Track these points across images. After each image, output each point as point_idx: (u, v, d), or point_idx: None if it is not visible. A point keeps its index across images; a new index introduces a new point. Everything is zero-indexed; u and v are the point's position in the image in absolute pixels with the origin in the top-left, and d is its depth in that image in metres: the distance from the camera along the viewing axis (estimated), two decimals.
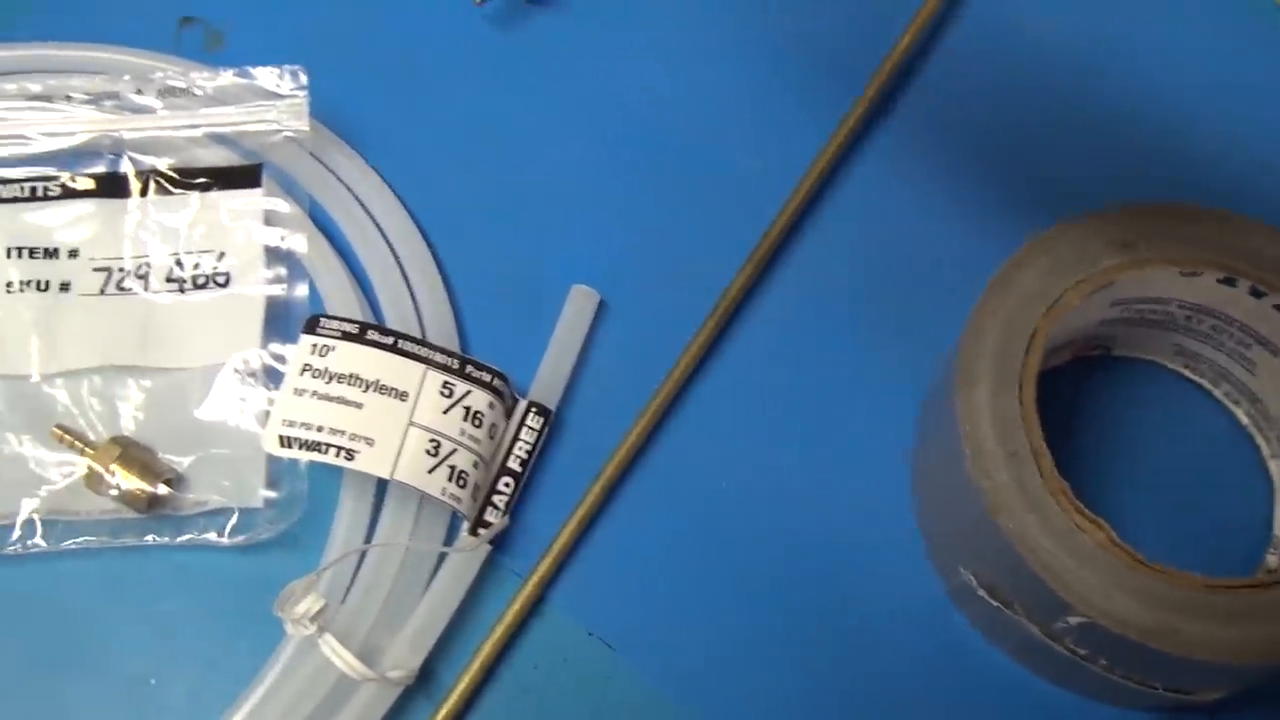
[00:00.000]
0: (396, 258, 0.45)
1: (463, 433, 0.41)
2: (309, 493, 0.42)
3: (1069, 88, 0.49)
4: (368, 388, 0.41)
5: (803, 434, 0.44)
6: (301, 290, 0.45)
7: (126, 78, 0.46)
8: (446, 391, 0.41)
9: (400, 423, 0.41)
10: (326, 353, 0.41)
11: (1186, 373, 0.44)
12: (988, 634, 0.40)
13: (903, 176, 0.48)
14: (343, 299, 0.44)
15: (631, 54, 0.50)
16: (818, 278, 0.46)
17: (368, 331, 0.42)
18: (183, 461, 0.42)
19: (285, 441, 0.40)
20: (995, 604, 0.38)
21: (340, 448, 0.40)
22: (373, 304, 0.45)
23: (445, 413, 0.41)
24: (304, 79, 0.46)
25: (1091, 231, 0.39)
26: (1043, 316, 0.38)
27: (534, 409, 0.43)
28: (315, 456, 0.40)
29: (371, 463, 0.40)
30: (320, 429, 0.40)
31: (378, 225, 0.46)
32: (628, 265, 0.46)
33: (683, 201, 0.47)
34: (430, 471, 0.40)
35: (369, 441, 0.40)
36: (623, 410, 0.43)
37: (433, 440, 0.41)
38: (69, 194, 0.45)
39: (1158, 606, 0.34)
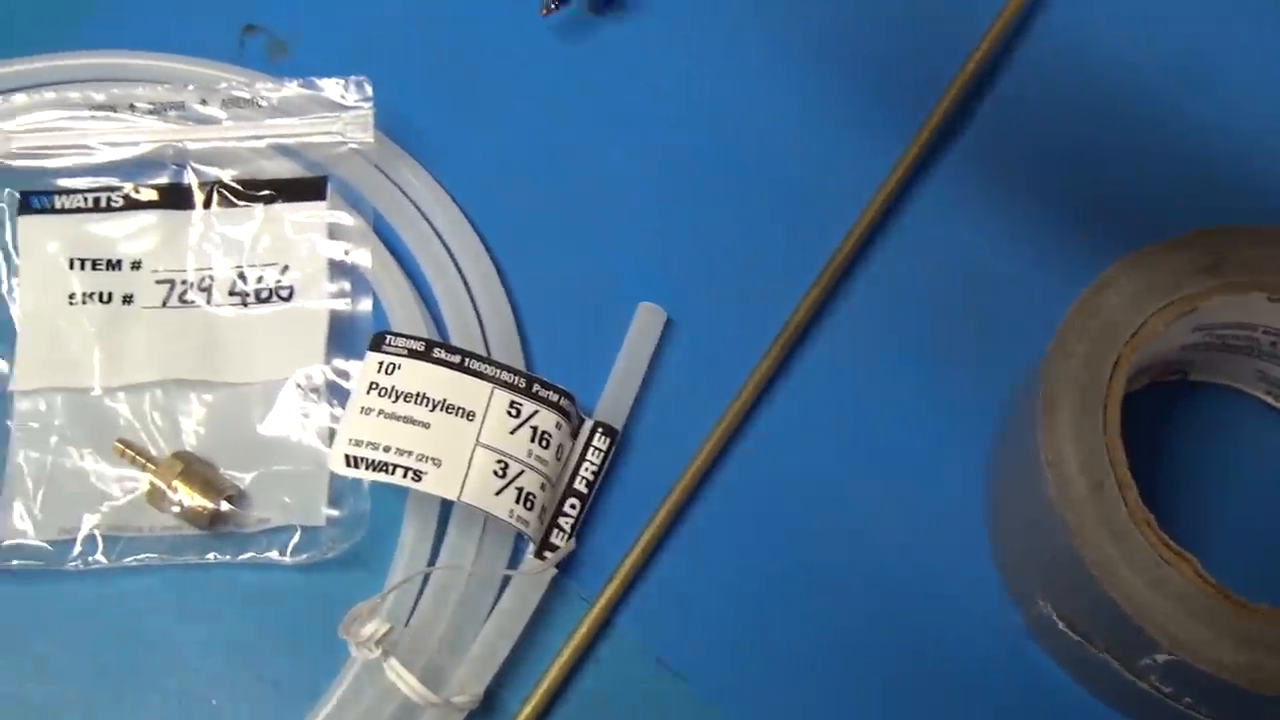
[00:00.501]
0: (461, 273, 0.45)
1: (530, 454, 0.40)
2: (372, 511, 0.41)
3: (1148, 106, 0.48)
4: (435, 407, 0.40)
5: (874, 457, 0.43)
6: (365, 305, 0.44)
7: (191, 88, 0.45)
8: (514, 411, 0.41)
9: (468, 443, 0.40)
10: (393, 371, 0.41)
11: (1269, 399, 0.42)
12: (1066, 668, 0.39)
13: (976, 194, 0.46)
14: (407, 315, 0.43)
15: (698, 66, 0.49)
16: (888, 298, 0.45)
17: (434, 349, 0.41)
18: (244, 478, 0.42)
19: (351, 461, 0.40)
20: (1075, 638, 0.37)
21: (407, 468, 0.39)
22: (436, 320, 0.44)
23: (512, 433, 0.40)
24: (369, 90, 0.46)
25: (1176, 255, 0.38)
26: (1127, 343, 0.37)
27: (600, 429, 0.42)
28: (382, 477, 0.40)
29: (439, 484, 0.39)
30: (387, 449, 0.40)
31: (442, 240, 0.45)
32: (695, 282, 0.45)
33: (751, 217, 0.46)
34: (498, 493, 0.39)
35: (436, 462, 0.40)
36: (690, 430, 0.42)
37: (500, 461, 0.40)
38: (132, 205, 0.45)
39: (1248, 644, 0.33)
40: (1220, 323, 0.39)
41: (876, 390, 0.44)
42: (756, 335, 0.44)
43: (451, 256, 0.45)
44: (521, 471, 0.40)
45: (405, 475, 0.39)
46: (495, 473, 0.40)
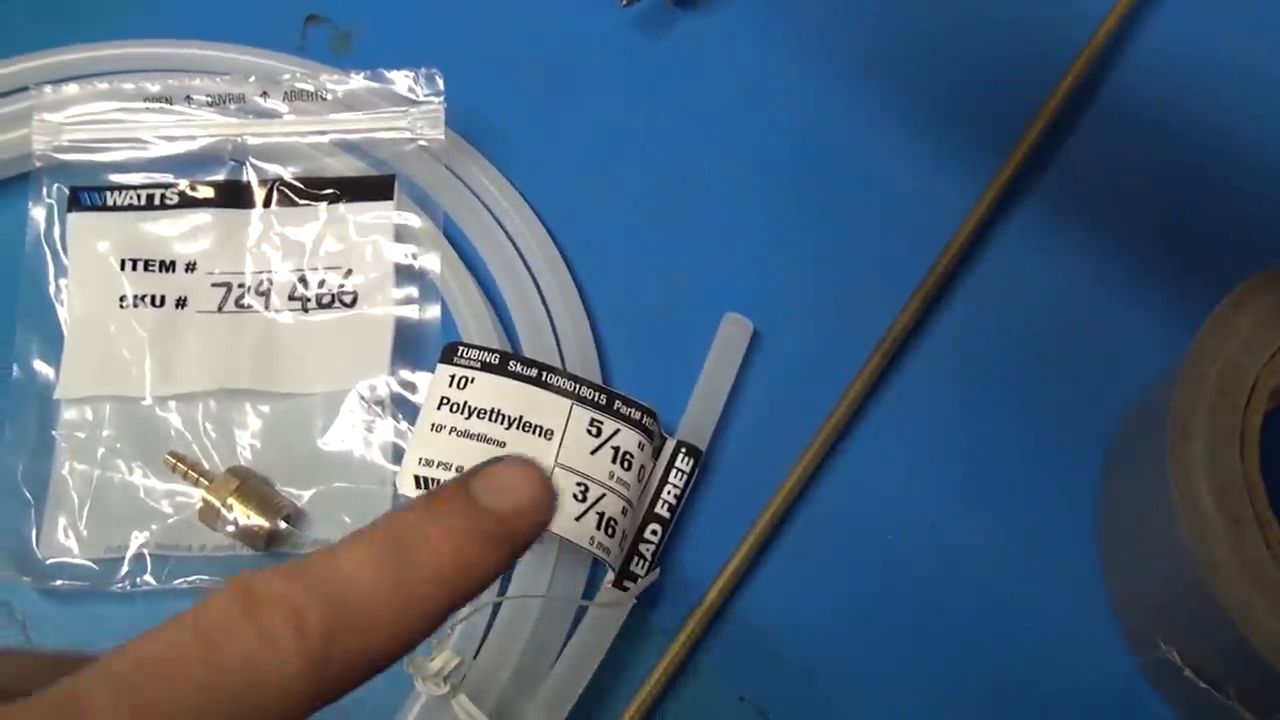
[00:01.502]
0: (535, 281, 0.42)
1: (611, 475, 0.37)
2: None
3: (1247, 134, 0.45)
4: (510, 424, 0.38)
5: (974, 484, 0.40)
6: (433, 313, 0.42)
7: (251, 79, 0.43)
8: (594, 430, 0.38)
9: (546, 464, 0.37)
10: (466, 385, 0.38)
11: None
12: (1187, 716, 0.37)
13: (1079, 213, 0.44)
14: (478, 325, 0.41)
15: (789, 63, 0.46)
16: (990, 316, 0.42)
17: (510, 362, 0.38)
18: (303, 495, 0.39)
19: (421, 483, 0.37)
20: (1203, 685, 0.34)
21: None
22: (509, 330, 0.42)
23: (593, 453, 0.38)
24: (440, 84, 0.43)
25: None
26: (1265, 365, 0.34)
27: (684, 450, 0.39)
28: None
29: None
30: (460, 470, 0.37)
31: (516, 246, 0.43)
32: (783, 293, 0.43)
33: (843, 227, 0.44)
34: (578, 519, 0.37)
35: None
36: (778, 452, 0.40)
37: (580, 484, 0.37)
38: (187, 203, 0.42)
39: None
40: None
41: (976, 414, 0.41)
42: (849, 351, 0.41)
43: (525, 263, 0.43)
44: (603, 495, 0.37)
45: None
46: (575, 496, 0.37)
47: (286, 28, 0.47)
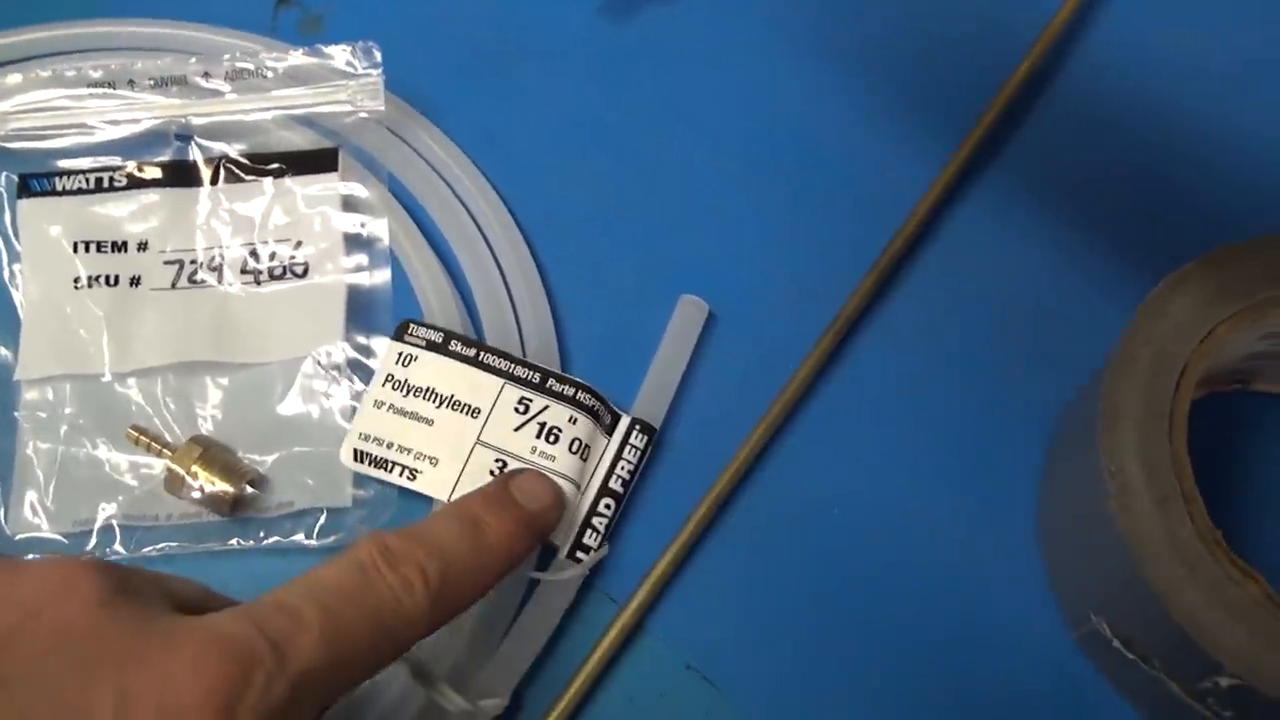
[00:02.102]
0: (487, 241, 0.43)
1: (534, 450, 0.39)
2: (400, 492, 0.39)
3: (1201, 121, 0.46)
4: (442, 403, 0.39)
5: (920, 462, 0.41)
6: (385, 279, 0.43)
7: (193, 60, 0.44)
8: (522, 408, 0.39)
9: (467, 441, 0.39)
10: (410, 363, 0.40)
11: None
12: (1117, 686, 0.38)
13: (1033, 197, 0.45)
14: (435, 289, 0.42)
15: (749, 53, 0.47)
16: (939, 300, 0.43)
17: (451, 341, 0.40)
18: (265, 460, 0.40)
19: (358, 456, 0.39)
20: (1131, 657, 0.35)
21: (405, 467, 0.39)
22: (466, 298, 0.43)
23: (516, 430, 0.39)
24: (378, 56, 0.44)
25: (1249, 259, 0.36)
26: (1195, 349, 0.35)
27: (638, 426, 0.40)
28: (381, 474, 0.39)
29: (431, 484, 0.38)
30: (390, 445, 0.39)
31: (467, 208, 0.44)
32: (739, 276, 0.43)
33: (799, 211, 0.45)
34: None
35: (433, 461, 0.39)
36: (730, 430, 0.41)
37: (499, 460, 0.39)
38: (136, 184, 0.43)
39: None
40: None
41: (925, 395, 0.42)
42: (801, 333, 0.42)
43: (478, 226, 0.43)
44: (522, 470, 0.38)
45: (402, 474, 0.39)
46: (492, 471, 0.38)
47: (260, 12, 0.48)
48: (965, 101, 0.45)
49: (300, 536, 0.39)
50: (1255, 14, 0.47)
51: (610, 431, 0.40)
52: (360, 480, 0.40)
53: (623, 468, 0.40)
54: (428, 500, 0.39)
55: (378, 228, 0.43)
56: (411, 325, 0.40)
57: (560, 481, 0.38)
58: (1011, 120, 0.45)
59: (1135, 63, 0.46)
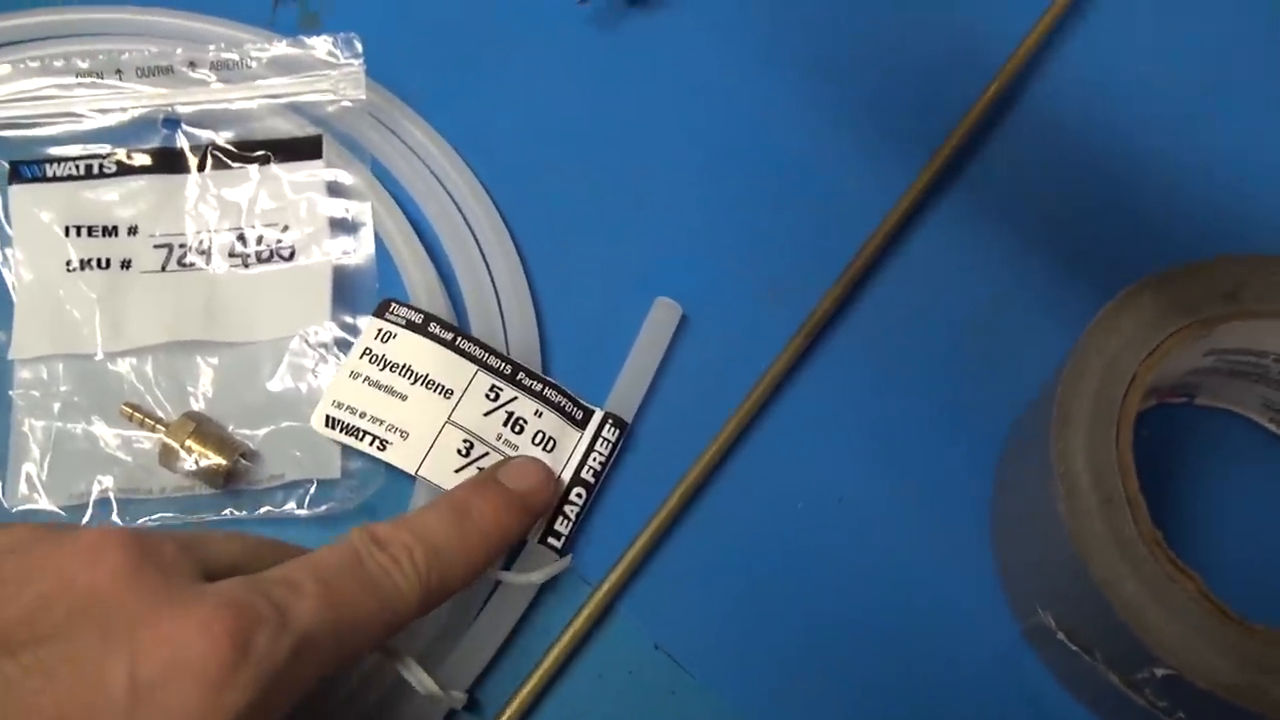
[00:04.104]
0: (471, 230, 0.45)
1: (499, 437, 0.41)
2: (386, 466, 0.41)
3: (1165, 135, 0.48)
4: (416, 380, 0.41)
5: (880, 462, 0.43)
6: (370, 262, 0.44)
7: (179, 51, 0.45)
8: (493, 395, 0.41)
9: (438, 420, 0.40)
10: (389, 339, 0.41)
11: (1272, 426, 0.42)
12: (1061, 677, 0.40)
13: (994, 213, 0.46)
14: (421, 273, 0.43)
15: (728, 65, 0.49)
16: (903, 308, 0.45)
17: (430, 324, 0.41)
18: (255, 435, 0.42)
19: (329, 422, 0.40)
20: (1074, 648, 0.37)
21: (376, 436, 0.40)
22: (449, 280, 0.44)
23: (486, 415, 0.41)
24: (359, 47, 0.45)
25: (1197, 279, 0.38)
26: (1143, 362, 0.37)
27: (610, 420, 0.42)
28: (352, 442, 0.40)
29: (400, 456, 0.40)
30: (363, 415, 0.40)
31: (452, 197, 0.45)
32: (713, 281, 0.45)
33: (771, 221, 0.46)
34: (457, 471, 0.40)
35: (404, 434, 0.40)
36: (699, 427, 0.42)
37: (466, 441, 0.40)
38: (125, 170, 0.44)
39: (1247, 664, 0.33)
40: (1233, 348, 0.39)
41: (887, 397, 0.44)
42: (770, 338, 0.44)
43: (462, 214, 0.45)
44: (486, 454, 0.40)
45: (372, 443, 0.40)
46: (459, 451, 0.40)
47: (259, 7, 0.49)
48: (933, 120, 0.47)
49: (291, 506, 0.41)
50: (1210, 42, 0.49)
51: (582, 426, 0.42)
52: (349, 454, 0.41)
53: (595, 459, 0.41)
54: (412, 477, 0.41)
55: (362, 212, 0.44)
56: (393, 304, 0.42)
57: None
58: (976, 139, 0.47)
59: (1092, 91, 0.48)
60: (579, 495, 0.41)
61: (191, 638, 0.28)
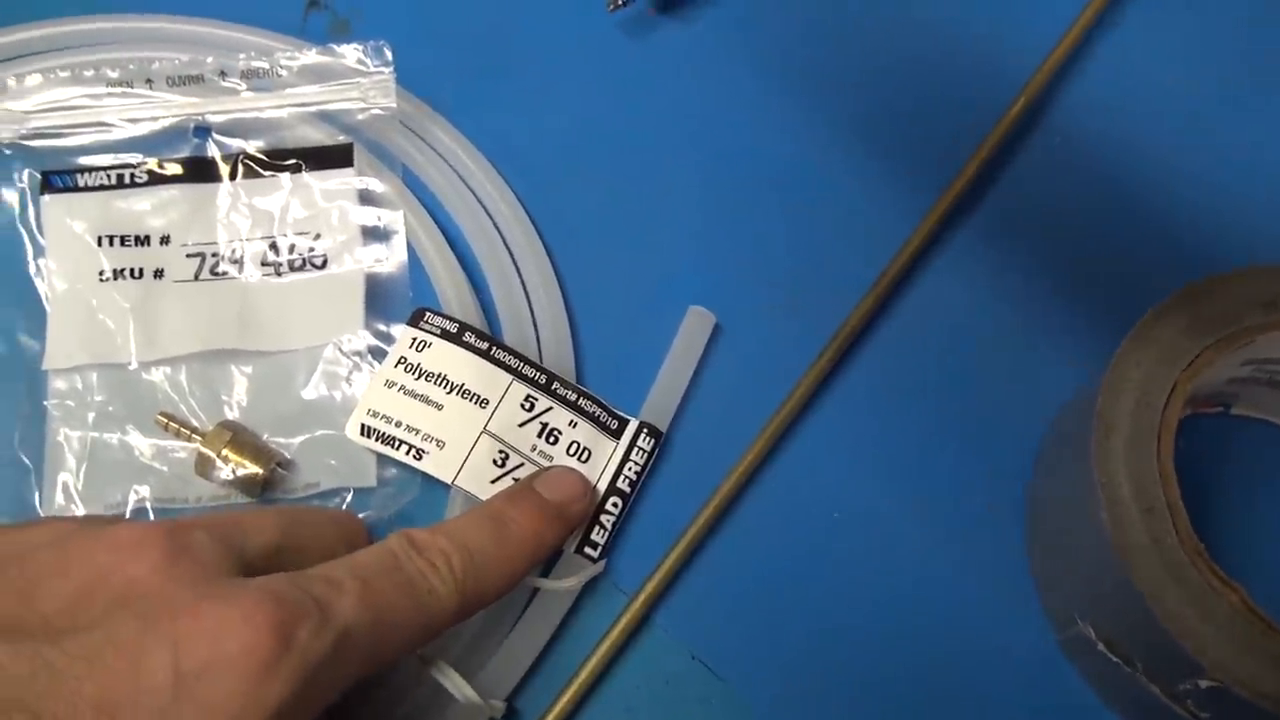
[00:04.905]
0: (503, 237, 0.45)
1: (534, 448, 0.41)
2: (422, 475, 0.41)
3: (1190, 149, 0.48)
4: (452, 389, 0.41)
5: (914, 472, 0.43)
6: (403, 270, 0.44)
7: (209, 60, 0.45)
8: (528, 405, 0.41)
9: (474, 429, 0.40)
10: (423, 348, 0.41)
11: None
12: (1100, 688, 0.40)
13: (1024, 226, 0.47)
14: (452, 282, 0.43)
15: (758, 76, 0.49)
16: (935, 318, 0.45)
17: (466, 333, 0.41)
18: (290, 444, 0.42)
19: (365, 430, 0.40)
20: (1115, 659, 0.37)
21: (412, 446, 0.40)
22: (481, 289, 0.44)
23: (521, 426, 0.41)
24: (389, 55, 0.46)
25: (1235, 289, 0.38)
26: (1183, 371, 0.37)
27: (645, 430, 0.42)
28: (388, 451, 0.40)
29: (437, 466, 0.40)
30: (399, 424, 0.40)
31: (483, 204, 0.45)
32: (746, 290, 0.45)
33: (805, 231, 0.46)
34: (493, 482, 0.40)
35: (440, 444, 0.40)
36: (734, 434, 0.42)
37: (501, 451, 0.40)
38: (157, 180, 0.44)
39: None
40: (1273, 358, 0.39)
41: (917, 409, 0.44)
42: (803, 346, 0.44)
43: (494, 222, 0.45)
44: (521, 464, 0.40)
45: (409, 452, 0.40)
46: (495, 461, 0.40)
47: (290, 14, 0.49)
48: (958, 135, 0.47)
49: None
50: (1234, 56, 0.50)
51: (617, 436, 0.42)
52: (384, 462, 0.41)
53: (630, 469, 0.41)
54: (447, 485, 0.41)
55: (394, 220, 0.44)
56: (428, 313, 0.42)
57: None
58: (1002, 155, 0.47)
59: (1118, 106, 0.48)
60: (615, 505, 0.41)
61: (234, 629, 0.28)
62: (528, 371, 0.41)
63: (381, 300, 0.44)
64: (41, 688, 0.27)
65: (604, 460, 0.41)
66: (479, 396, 0.41)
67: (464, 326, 0.42)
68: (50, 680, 0.27)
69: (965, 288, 0.46)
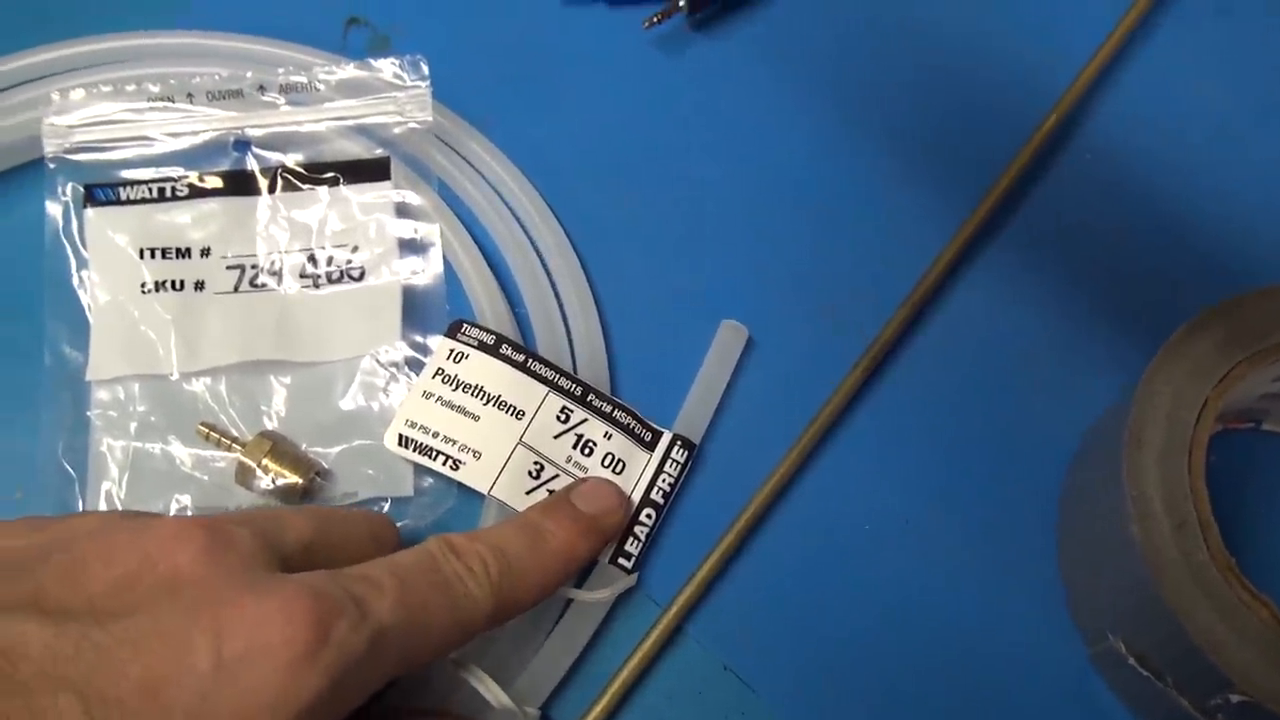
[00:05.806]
0: (538, 250, 0.46)
1: (569, 460, 0.41)
2: (459, 485, 0.41)
3: (1222, 166, 0.48)
4: (489, 401, 0.41)
5: (944, 487, 0.43)
6: (439, 282, 0.45)
7: (249, 74, 0.46)
8: (563, 417, 0.41)
9: (510, 440, 0.41)
10: (460, 360, 0.42)
11: None
12: (1130, 702, 0.40)
13: (1057, 240, 0.47)
14: (487, 295, 0.44)
15: (793, 90, 0.49)
16: (967, 333, 0.46)
17: (502, 345, 0.42)
18: (329, 453, 0.42)
19: (403, 441, 0.41)
20: (1145, 674, 0.37)
21: (449, 456, 0.41)
22: (516, 304, 0.45)
23: (556, 437, 0.41)
24: (425, 69, 0.46)
25: (1266, 305, 0.38)
26: (1215, 386, 0.37)
27: (679, 442, 0.42)
28: (425, 461, 0.41)
29: (474, 476, 0.40)
30: (436, 435, 0.41)
31: (518, 218, 0.46)
32: (778, 304, 0.46)
33: (837, 246, 0.47)
34: (528, 493, 0.40)
35: (477, 455, 0.41)
36: (768, 447, 0.43)
37: (537, 462, 0.41)
38: (197, 193, 0.45)
39: None
40: None
41: (950, 422, 0.44)
42: (836, 359, 0.44)
43: (529, 236, 0.46)
44: (556, 476, 0.41)
45: (445, 463, 0.41)
46: (530, 473, 0.41)
47: (330, 29, 0.50)
48: (991, 150, 0.47)
49: None
50: (1266, 72, 0.50)
51: (651, 448, 0.42)
52: (421, 472, 0.42)
53: (664, 480, 0.42)
54: (483, 495, 0.41)
55: (430, 232, 0.45)
56: (465, 325, 0.42)
57: None
58: (1035, 170, 0.48)
59: (1151, 122, 0.49)
60: (648, 516, 0.41)
61: (274, 621, 0.29)
62: (563, 383, 0.42)
63: (418, 312, 0.44)
64: (88, 667, 0.27)
65: (638, 472, 0.42)
66: (515, 408, 0.41)
67: (500, 339, 0.42)
68: (97, 660, 0.27)
69: (997, 302, 0.46)
